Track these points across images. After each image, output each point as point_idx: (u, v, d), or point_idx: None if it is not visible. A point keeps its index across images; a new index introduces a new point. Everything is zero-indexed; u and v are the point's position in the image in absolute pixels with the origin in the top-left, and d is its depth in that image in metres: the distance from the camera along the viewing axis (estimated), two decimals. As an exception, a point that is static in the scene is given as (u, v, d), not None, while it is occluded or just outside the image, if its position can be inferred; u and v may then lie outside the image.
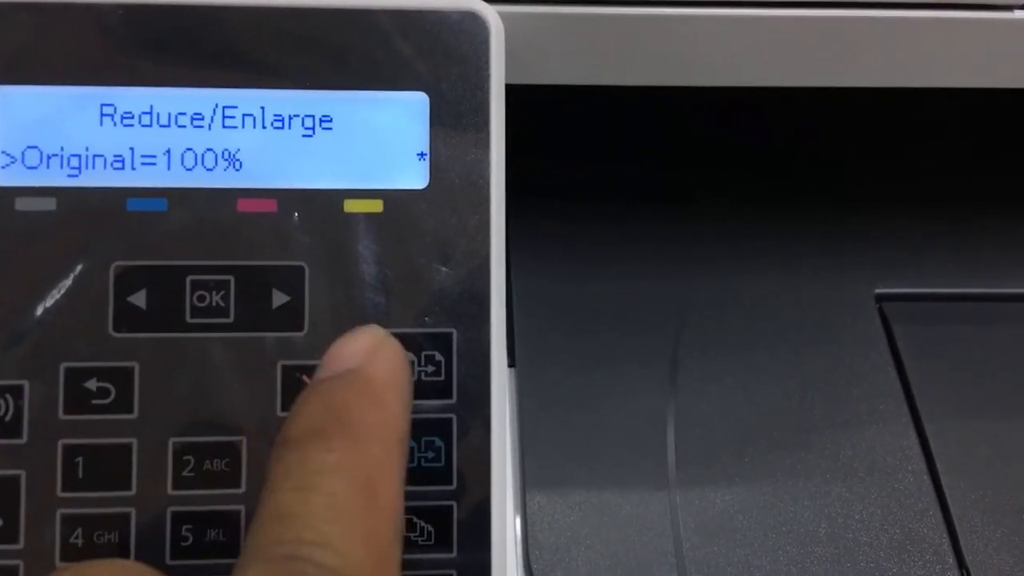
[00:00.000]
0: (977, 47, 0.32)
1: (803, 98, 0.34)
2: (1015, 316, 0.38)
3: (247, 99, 0.27)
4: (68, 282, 0.26)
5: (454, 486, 0.27)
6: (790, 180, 0.41)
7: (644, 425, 0.35)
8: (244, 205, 0.27)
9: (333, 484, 0.22)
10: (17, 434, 0.26)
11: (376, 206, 0.27)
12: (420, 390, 0.27)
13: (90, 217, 0.27)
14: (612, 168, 0.41)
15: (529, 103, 0.31)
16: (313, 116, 0.27)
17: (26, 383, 0.26)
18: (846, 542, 0.33)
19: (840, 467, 0.34)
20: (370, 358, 0.24)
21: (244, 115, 0.27)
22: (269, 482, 0.23)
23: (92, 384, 0.26)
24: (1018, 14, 0.31)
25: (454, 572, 0.26)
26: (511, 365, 0.36)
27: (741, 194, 0.40)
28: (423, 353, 0.27)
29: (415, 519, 0.26)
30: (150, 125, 0.27)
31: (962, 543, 0.33)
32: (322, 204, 0.27)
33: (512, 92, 0.29)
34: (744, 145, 0.42)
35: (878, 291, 0.38)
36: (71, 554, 0.25)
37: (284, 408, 0.26)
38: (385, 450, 0.23)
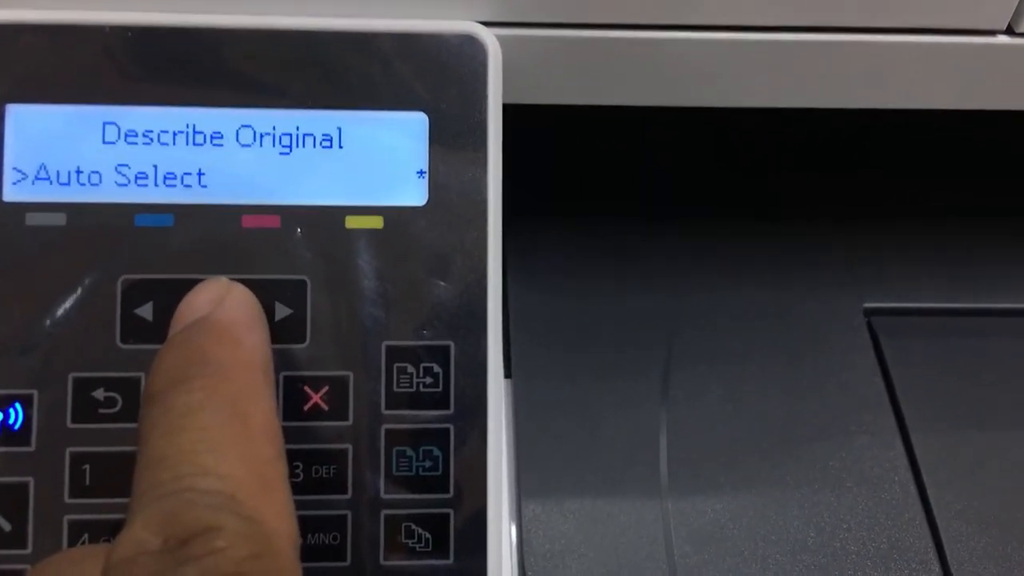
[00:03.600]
0: (963, 70, 0.32)
1: (794, 116, 0.35)
2: (1000, 330, 0.39)
3: (251, 119, 0.28)
4: (77, 295, 0.27)
5: (451, 494, 0.27)
6: (781, 197, 0.42)
7: (637, 435, 0.35)
8: (248, 221, 0.28)
9: (201, 419, 0.23)
10: (26, 442, 0.26)
11: (377, 222, 0.28)
12: (418, 401, 0.28)
13: (99, 232, 0.27)
14: (606, 186, 0.42)
15: (526, 122, 0.32)
16: (315, 135, 0.28)
17: (35, 392, 0.27)
18: (834, 551, 0.33)
19: (828, 477, 0.35)
20: (217, 305, 0.25)
21: (249, 134, 0.28)
22: (140, 436, 0.23)
23: (100, 394, 0.27)
24: (1001, 39, 0.31)
25: (450, 578, 0.27)
26: (507, 377, 0.36)
27: (732, 210, 0.41)
28: (421, 365, 0.28)
29: (413, 526, 0.27)
30: (158, 143, 0.28)
31: (947, 552, 0.34)
32: (324, 220, 0.28)
33: (509, 112, 0.29)
34: (735, 163, 0.43)
35: (866, 305, 0.39)
36: (78, 559, 0.26)
37: (286, 417, 0.27)
38: (247, 379, 0.24)
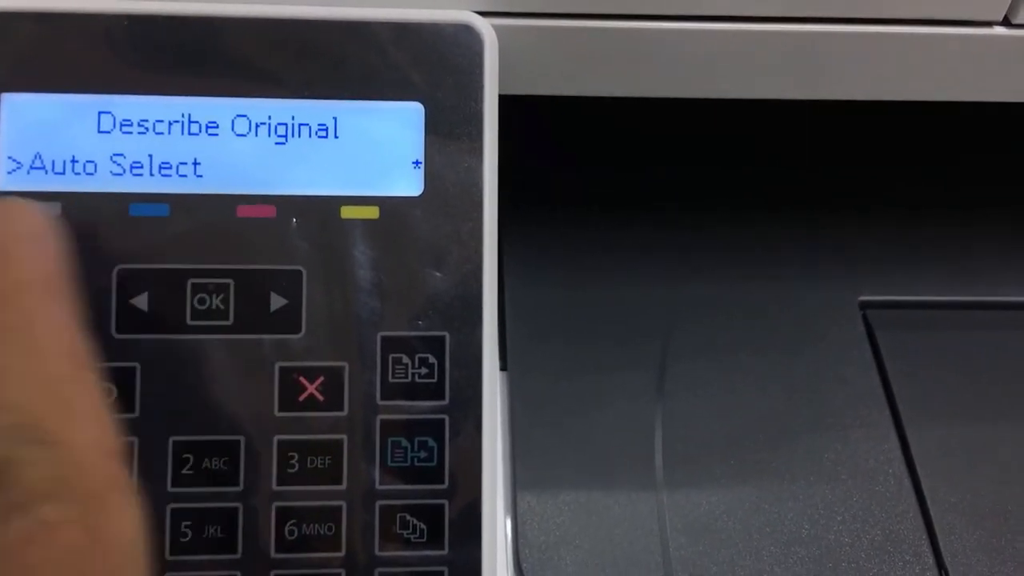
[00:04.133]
0: (958, 61, 0.32)
1: (789, 108, 0.35)
2: (995, 323, 0.39)
3: (248, 108, 0.28)
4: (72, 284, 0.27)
5: (446, 485, 0.27)
6: (776, 189, 0.42)
7: (632, 428, 0.35)
8: (244, 211, 0.28)
9: None
10: (21, 432, 0.26)
11: (372, 212, 0.28)
12: (413, 392, 0.28)
13: (94, 221, 0.27)
14: (603, 177, 0.42)
15: (524, 112, 0.32)
16: (311, 125, 0.28)
17: (30, 382, 0.27)
18: (828, 543, 0.34)
19: (823, 470, 0.35)
20: None
21: (244, 123, 0.28)
22: None
23: None
24: (998, 30, 0.31)
25: (445, 569, 0.27)
26: (503, 369, 0.36)
27: (729, 203, 0.41)
28: (416, 356, 0.28)
29: (408, 516, 0.27)
30: (153, 132, 0.28)
31: (941, 544, 0.34)
32: (320, 210, 0.28)
33: (506, 102, 0.29)
34: (732, 155, 0.43)
35: (862, 298, 0.39)
36: (73, 549, 0.26)
37: (282, 408, 0.27)
38: (28, 299, 0.23)
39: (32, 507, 0.20)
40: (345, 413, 0.27)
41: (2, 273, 0.23)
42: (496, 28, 0.29)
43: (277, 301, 0.27)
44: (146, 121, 0.28)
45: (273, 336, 0.27)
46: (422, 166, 0.28)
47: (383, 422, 0.27)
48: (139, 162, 0.28)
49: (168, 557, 0.26)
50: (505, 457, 0.34)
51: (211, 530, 0.26)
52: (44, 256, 0.24)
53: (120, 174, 0.28)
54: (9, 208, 0.25)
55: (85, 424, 0.22)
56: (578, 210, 0.40)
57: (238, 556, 0.26)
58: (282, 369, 0.27)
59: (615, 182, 0.41)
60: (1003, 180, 0.43)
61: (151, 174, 0.28)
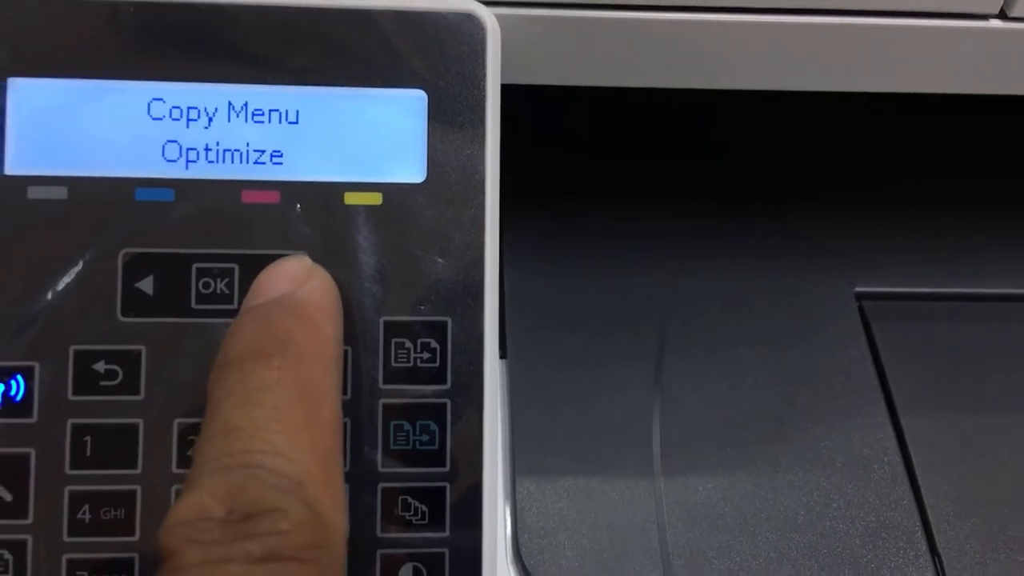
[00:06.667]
0: (955, 53, 0.33)
1: (787, 99, 0.35)
2: (990, 315, 0.40)
3: (252, 95, 0.28)
4: (78, 268, 0.27)
5: (447, 468, 0.28)
6: (773, 181, 0.42)
7: (631, 416, 0.36)
8: (248, 196, 0.28)
9: (276, 398, 0.23)
10: (28, 413, 0.27)
11: (375, 199, 0.28)
12: (415, 376, 0.28)
13: (100, 206, 0.27)
14: (603, 167, 0.42)
15: (524, 103, 0.32)
16: (315, 112, 0.28)
17: (37, 365, 0.27)
18: (823, 529, 0.34)
19: (819, 458, 0.35)
20: (301, 284, 0.25)
21: (250, 110, 0.28)
22: (212, 401, 0.23)
23: (100, 366, 0.27)
24: (994, 23, 0.32)
25: (446, 550, 0.27)
26: (503, 357, 0.36)
27: (727, 194, 0.42)
28: (419, 340, 0.28)
29: (409, 499, 0.27)
30: (159, 118, 0.28)
31: (934, 531, 0.34)
32: (323, 196, 0.28)
33: (508, 92, 0.30)
34: (731, 145, 0.43)
35: (858, 289, 0.40)
36: (78, 530, 0.26)
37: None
38: (322, 368, 0.24)
39: (282, 563, 0.21)
40: (348, 396, 0.27)
41: (311, 336, 0.24)
42: (498, 17, 0.29)
43: (281, 286, 0.28)
44: (151, 106, 0.28)
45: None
46: (425, 153, 0.28)
47: (385, 406, 0.28)
48: (144, 147, 0.28)
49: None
50: (505, 444, 0.35)
51: (215, 511, 0.27)
52: (339, 332, 0.25)
53: (126, 159, 0.28)
54: (323, 277, 0.26)
55: (339, 504, 0.23)
56: (578, 200, 0.41)
57: (242, 537, 0.27)
58: (286, 353, 0.27)
59: (614, 172, 0.42)
60: (1000, 172, 0.44)
61: (156, 159, 0.28)
